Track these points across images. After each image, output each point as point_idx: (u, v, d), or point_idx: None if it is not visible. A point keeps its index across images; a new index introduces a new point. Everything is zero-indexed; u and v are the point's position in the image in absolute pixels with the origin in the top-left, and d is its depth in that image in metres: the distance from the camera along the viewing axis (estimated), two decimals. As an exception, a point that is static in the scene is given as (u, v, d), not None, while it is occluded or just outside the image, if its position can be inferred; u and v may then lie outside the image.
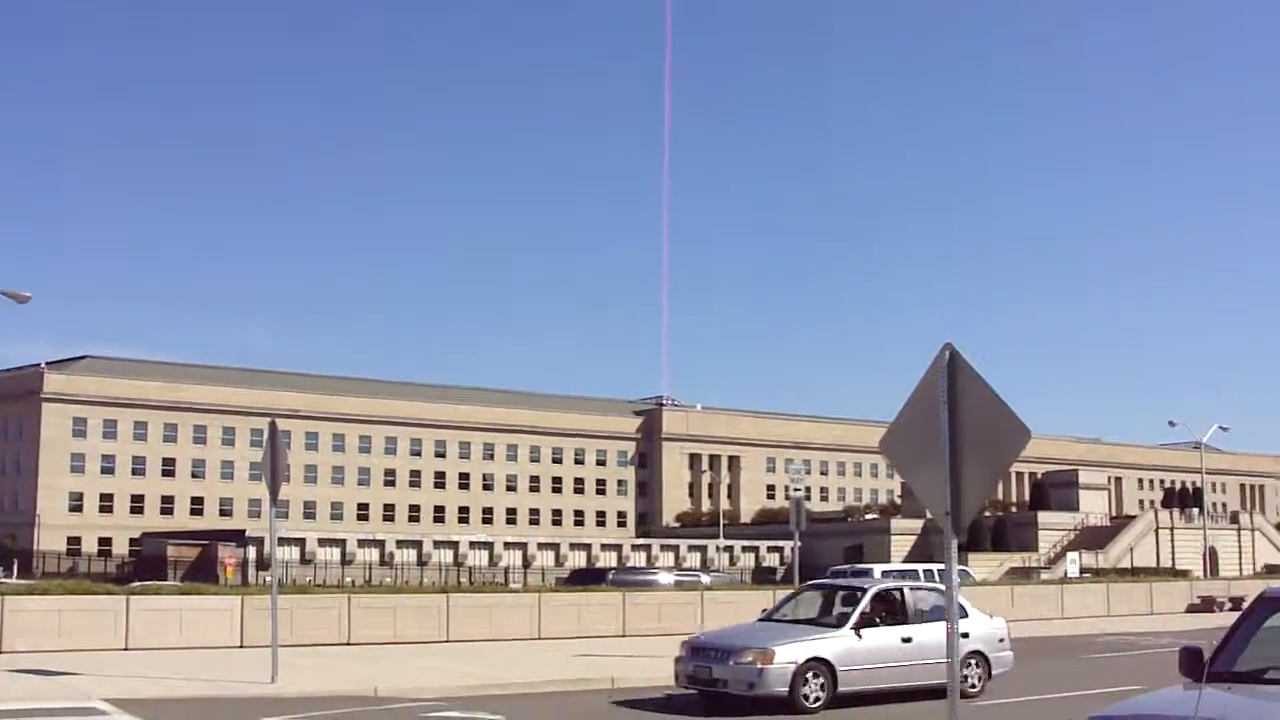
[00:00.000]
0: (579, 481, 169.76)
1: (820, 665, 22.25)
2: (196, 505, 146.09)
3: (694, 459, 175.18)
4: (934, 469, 9.50)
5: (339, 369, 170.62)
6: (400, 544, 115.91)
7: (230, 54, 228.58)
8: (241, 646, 31.83)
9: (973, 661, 24.58)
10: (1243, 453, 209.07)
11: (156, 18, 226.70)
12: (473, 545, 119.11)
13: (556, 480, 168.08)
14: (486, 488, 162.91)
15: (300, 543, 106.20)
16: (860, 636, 22.97)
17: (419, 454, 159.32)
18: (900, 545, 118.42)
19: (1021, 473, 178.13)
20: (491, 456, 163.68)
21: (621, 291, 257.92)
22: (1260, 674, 9.76)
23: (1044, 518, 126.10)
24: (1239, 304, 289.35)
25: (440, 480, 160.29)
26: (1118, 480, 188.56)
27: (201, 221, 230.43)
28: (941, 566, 50.04)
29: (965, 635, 23.64)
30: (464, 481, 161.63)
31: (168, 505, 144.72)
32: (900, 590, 25.34)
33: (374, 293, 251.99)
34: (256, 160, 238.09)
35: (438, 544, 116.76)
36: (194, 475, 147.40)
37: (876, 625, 23.60)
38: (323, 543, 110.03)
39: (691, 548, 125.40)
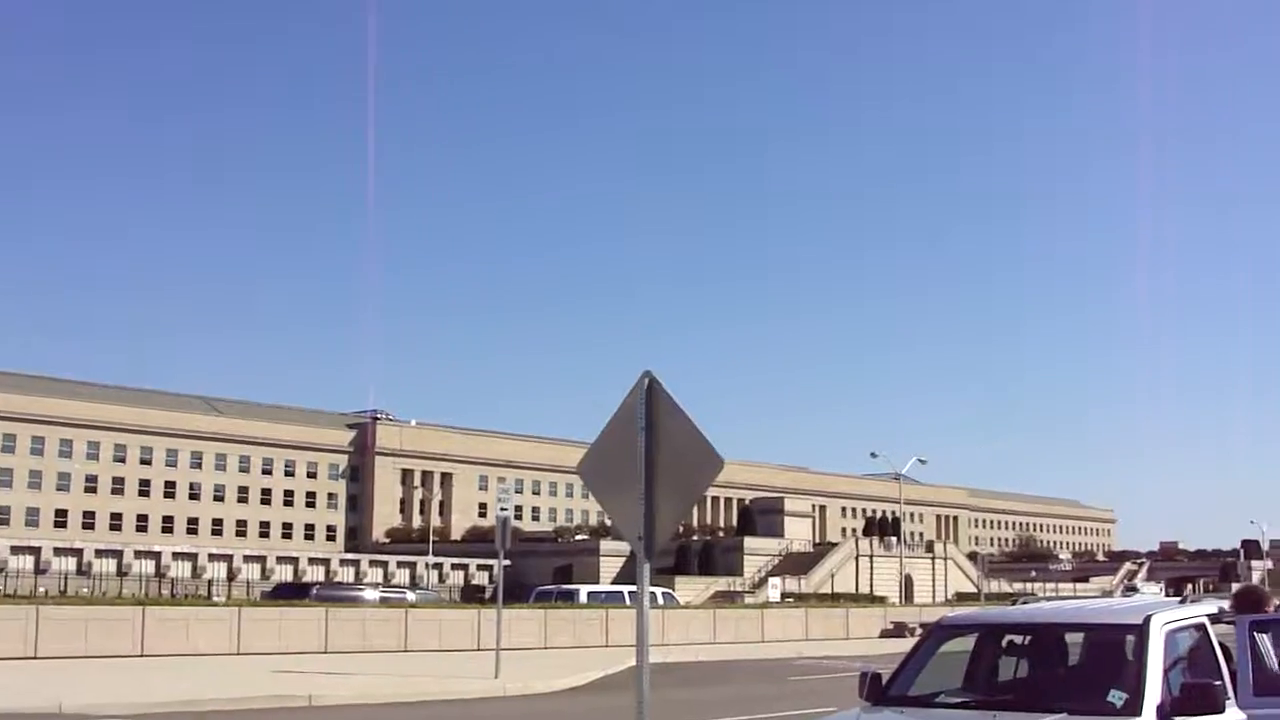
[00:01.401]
0: (289, 493, 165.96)
1: None
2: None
3: (406, 474, 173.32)
4: (629, 495, 9.57)
5: (40, 368, 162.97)
6: (99, 553, 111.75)
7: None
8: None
9: None
10: (939, 485, 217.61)
11: None
12: (176, 556, 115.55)
13: (265, 491, 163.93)
14: (193, 497, 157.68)
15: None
16: None
17: (123, 460, 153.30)
18: (609, 566, 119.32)
19: (730, 498, 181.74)
20: (199, 465, 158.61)
21: (338, 303, 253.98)
22: (931, 698, 10.20)
23: (750, 543, 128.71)
24: (936, 341, 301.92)
25: (145, 488, 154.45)
26: (822, 508, 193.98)
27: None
28: (652, 589, 50.81)
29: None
30: (169, 490, 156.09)
31: None
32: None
33: (82, 288, 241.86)
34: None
35: (139, 554, 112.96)
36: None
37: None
38: (15, 550, 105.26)
39: (401, 564, 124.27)
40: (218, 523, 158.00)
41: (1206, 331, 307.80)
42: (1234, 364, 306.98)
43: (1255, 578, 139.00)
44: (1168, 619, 9.69)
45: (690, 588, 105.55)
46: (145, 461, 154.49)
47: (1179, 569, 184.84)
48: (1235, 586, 11.38)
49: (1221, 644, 10.11)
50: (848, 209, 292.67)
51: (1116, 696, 9.13)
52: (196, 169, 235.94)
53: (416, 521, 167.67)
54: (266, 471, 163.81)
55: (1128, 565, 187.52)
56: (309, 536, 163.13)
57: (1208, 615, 10.22)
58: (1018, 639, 10.92)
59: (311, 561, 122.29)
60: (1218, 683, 9.42)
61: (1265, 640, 10.13)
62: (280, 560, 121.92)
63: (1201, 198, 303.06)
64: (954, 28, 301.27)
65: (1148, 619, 9.49)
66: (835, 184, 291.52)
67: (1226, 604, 10.70)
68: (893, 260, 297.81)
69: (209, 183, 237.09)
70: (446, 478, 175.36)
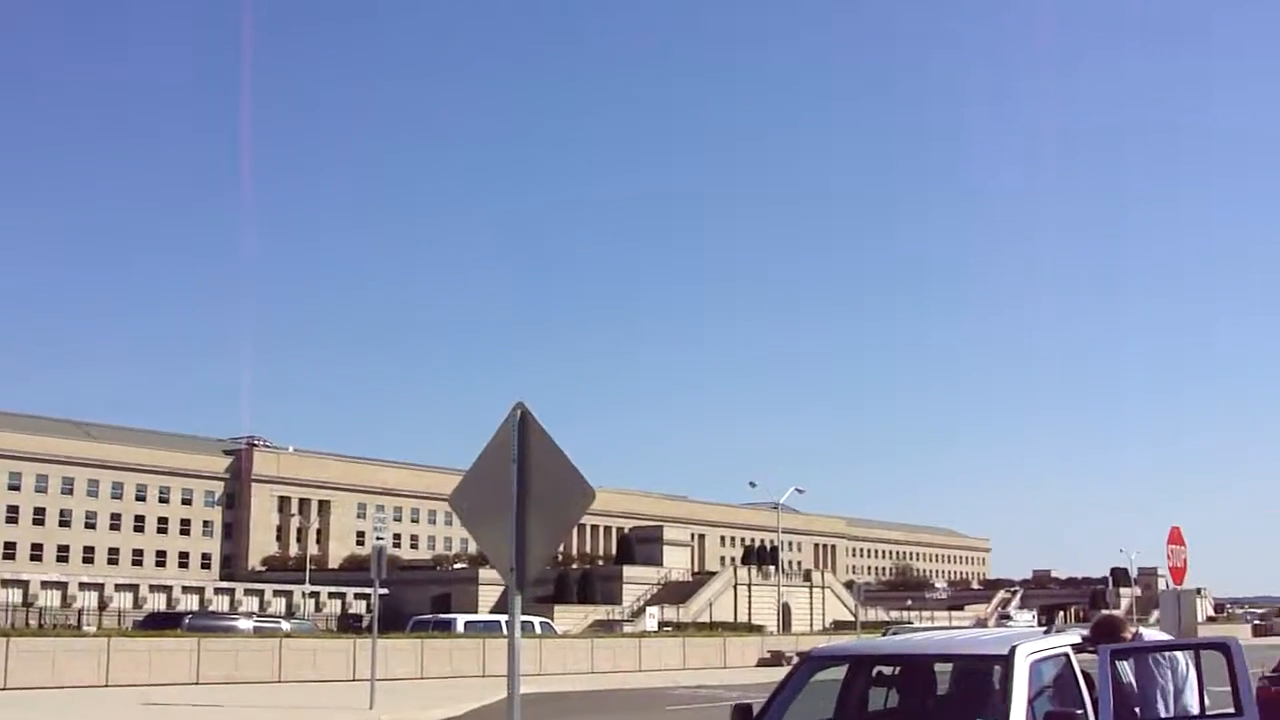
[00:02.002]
0: (163, 520, 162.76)
1: None
2: None
3: (284, 502, 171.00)
4: (500, 526, 9.52)
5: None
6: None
7: None
8: None
9: None
10: (817, 514, 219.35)
11: None
12: (45, 585, 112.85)
13: (139, 518, 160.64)
14: (63, 524, 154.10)
15: None
16: None
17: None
18: (488, 595, 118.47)
19: (610, 527, 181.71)
20: (70, 491, 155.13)
21: (215, 327, 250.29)
22: (800, 730, 10.28)
23: (629, 571, 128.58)
24: (813, 371, 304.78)
25: (13, 514, 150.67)
26: (701, 537, 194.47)
27: None
28: (530, 618, 50.28)
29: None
30: (38, 516, 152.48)
31: None
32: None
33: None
34: None
35: (6, 583, 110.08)
36: None
37: None
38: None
39: (277, 593, 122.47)
40: (89, 550, 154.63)
41: (1078, 363, 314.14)
42: (1104, 397, 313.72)
43: (1124, 605, 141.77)
44: (1032, 649, 9.82)
45: (569, 616, 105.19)
46: (14, 487, 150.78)
47: (1051, 596, 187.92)
48: (1096, 616, 11.56)
49: (1085, 672, 10.27)
50: (721, 233, 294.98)
51: (982, 726, 9.25)
52: (58, 183, 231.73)
53: (294, 549, 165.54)
54: (140, 498, 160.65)
55: (1002, 593, 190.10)
56: (183, 565, 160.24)
57: (1071, 645, 10.37)
58: (887, 670, 11.03)
59: (185, 590, 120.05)
60: (1080, 711, 9.58)
61: (1126, 668, 10.31)
62: (153, 589, 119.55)
63: (1069, 222, 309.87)
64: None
65: (1013, 649, 9.61)
66: (707, 205, 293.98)
67: (1088, 634, 10.88)
68: (785, 280, 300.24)
69: (80, 203, 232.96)
70: (324, 505, 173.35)
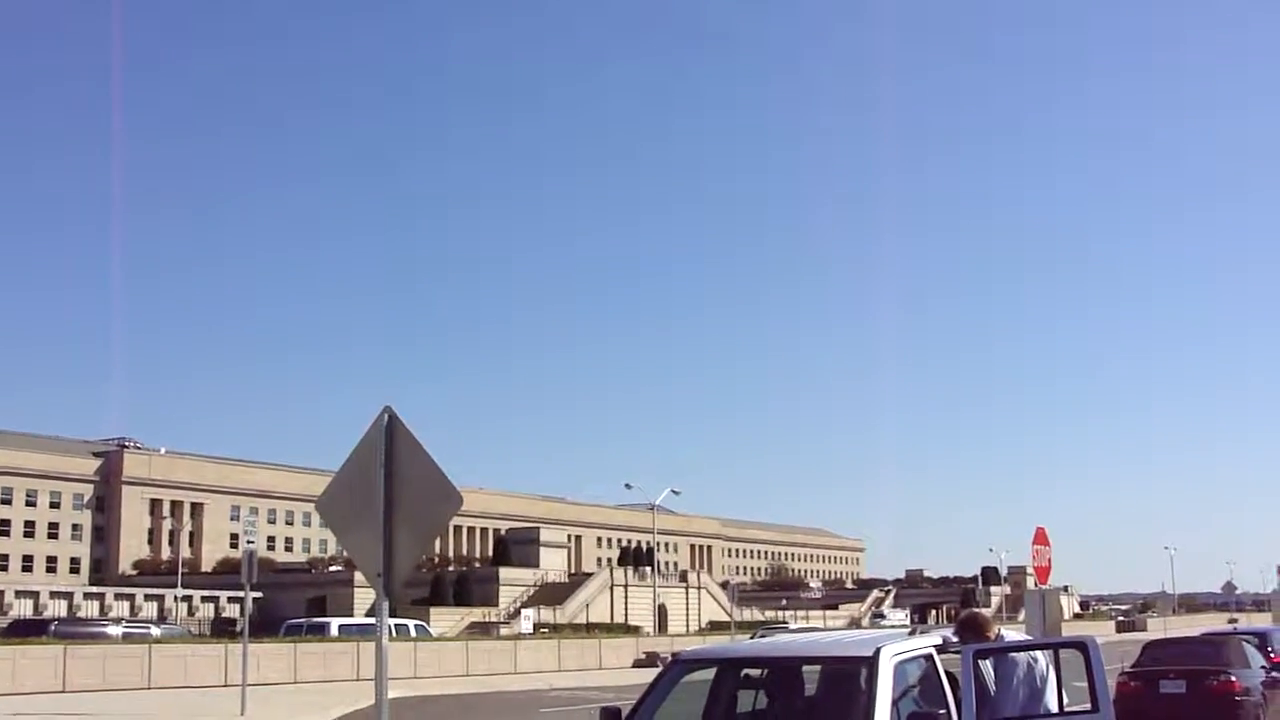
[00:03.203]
0: (29, 524, 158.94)
1: None
2: None
3: (155, 504, 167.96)
4: (367, 531, 9.46)
5: None
6: None
7: None
8: None
9: None
10: (693, 515, 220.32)
11: None
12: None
13: (4, 522, 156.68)
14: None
15: None
16: None
17: None
18: (365, 598, 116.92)
19: (486, 528, 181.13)
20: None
21: (83, 325, 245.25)
22: (669, 731, 10.30)
23: (505, 573, 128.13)
24: (686, 370, 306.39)
25: None
26: (578, 538, 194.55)
27: None
28: (405, 621, 49.86)
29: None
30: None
31: None
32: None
33: None
34: None
35: None
36: None
37: None
38: None
39: (149, 597, 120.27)
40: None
41: (945, 362, 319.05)
42: (975, 393, 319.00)
43: (994, 603, 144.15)
44: (896, 650, 9.93)
45: (445, 619, 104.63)
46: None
47: (923, 595, 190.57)
48: (962, 615, 11.72)
49: (948, 673, 10.40)
50: (592, 238, 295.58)
51: (848, 728, 9.33)
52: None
53: (166, 553, 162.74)
54: (5, 501, 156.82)
55: (875, 593, 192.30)
56: (51, 570, 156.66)
57: (935, 646, 10.51)
58: (755, 672, 11.08)
59: (53, 596, 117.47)
60: (943, 711, 9.70)
61: (987, 667, 10.46)
62: (19, 595, 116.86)
63: (951, 225, 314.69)
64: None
65: (877, 651, 9.71)
66: (579, 215, 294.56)
67: (953, 633, 11.03)
68: (657, 285, 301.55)
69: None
70: (197, 508, 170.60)
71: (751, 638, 43.12)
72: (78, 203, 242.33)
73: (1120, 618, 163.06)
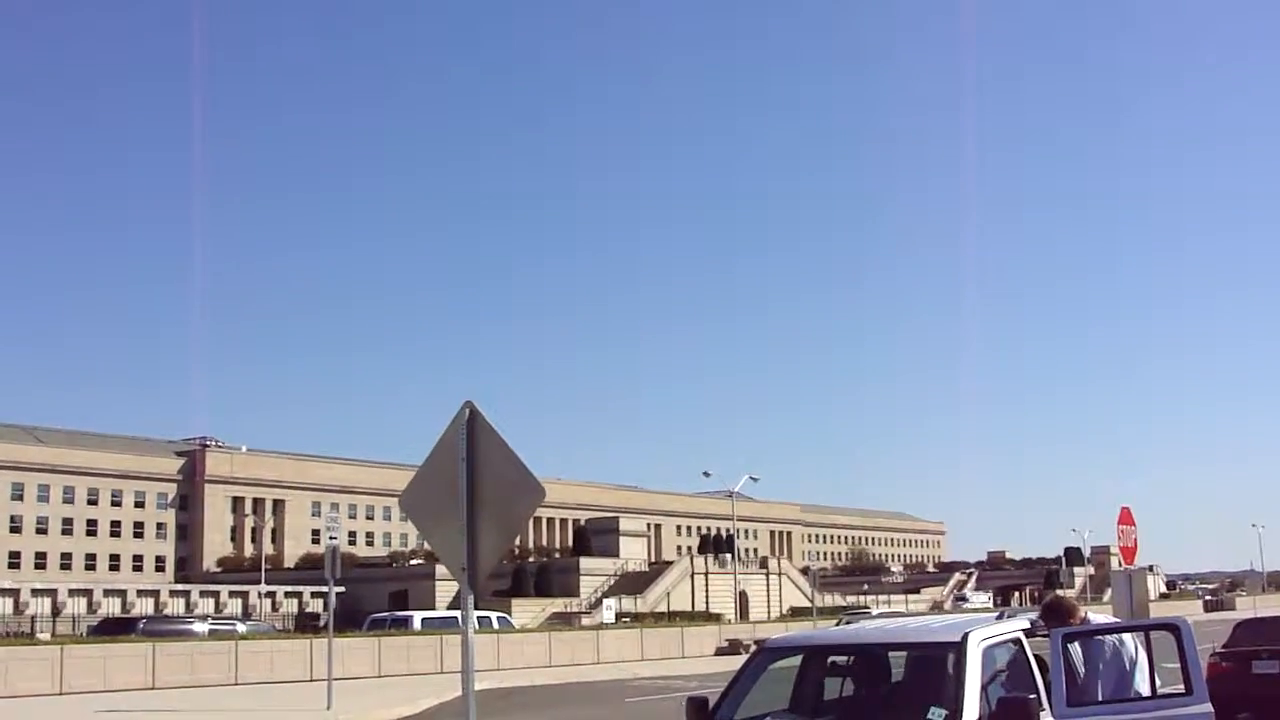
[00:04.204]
0: (115, 524, 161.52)
1: None
2: None
3: (237, 502, 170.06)
4: (450, 526, 9.53)
5: None
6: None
7: None
8: None
9: None
10: (772, 501, 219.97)
11: None
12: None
13: (91, 523, 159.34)
14: (14, 530, 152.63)
15: None
16: None
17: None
18: (445, 591, 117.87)
19: (565, 519, 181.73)
20: (21, 496, 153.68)
21: (164, 327, 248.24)
22: (759, 720, 10.29)
23: (585, 563, 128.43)
24: (766, 366, 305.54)
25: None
26: (657, 527, 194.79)
27: None
28: (487, 613, 50.13)
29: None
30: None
31: None
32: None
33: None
34: None
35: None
36: None
37: None
38: None
39: (233, 594, 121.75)
40: (41, 556, 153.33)
41: (1031, 343, 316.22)
42: (1056, 375, 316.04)
43: (1078, 584, 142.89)
44: (984, 635, 9.88)
45: (527, 610, 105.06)
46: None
47: (1006, 578, 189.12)
48: (1045, 598, 11.66)
49: (1037, 656, 10.34)
50: (663, 223, 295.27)
51: (936, 713, 9.28)
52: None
53: (249, 550, 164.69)
54: (92, 502, 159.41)
55: (957, 576, 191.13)
56: (137, 568, 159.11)
57: (1023, 630, 10.46)
58: (841, 659, 11.06)
59: (140, 594, 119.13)
60: (1032, 696, 9.63)
61: (1076, 650, 10.39)
62: (107, 593, 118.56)
63: (1025, 205, 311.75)
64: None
65: (965, 636, 9.66)
66: (657, 197, 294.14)
67: (1038, 616, 10.96)
68: (726, 275, 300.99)
69: (14, 190, 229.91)
70: (279, 505, 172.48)
71: (838, 624, 43.04)
72: (157, 199, 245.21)
73: (1208, 597, 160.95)
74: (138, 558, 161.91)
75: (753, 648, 56.23)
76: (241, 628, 55.52)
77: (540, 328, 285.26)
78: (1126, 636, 10.62)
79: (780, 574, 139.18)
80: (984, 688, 9.49)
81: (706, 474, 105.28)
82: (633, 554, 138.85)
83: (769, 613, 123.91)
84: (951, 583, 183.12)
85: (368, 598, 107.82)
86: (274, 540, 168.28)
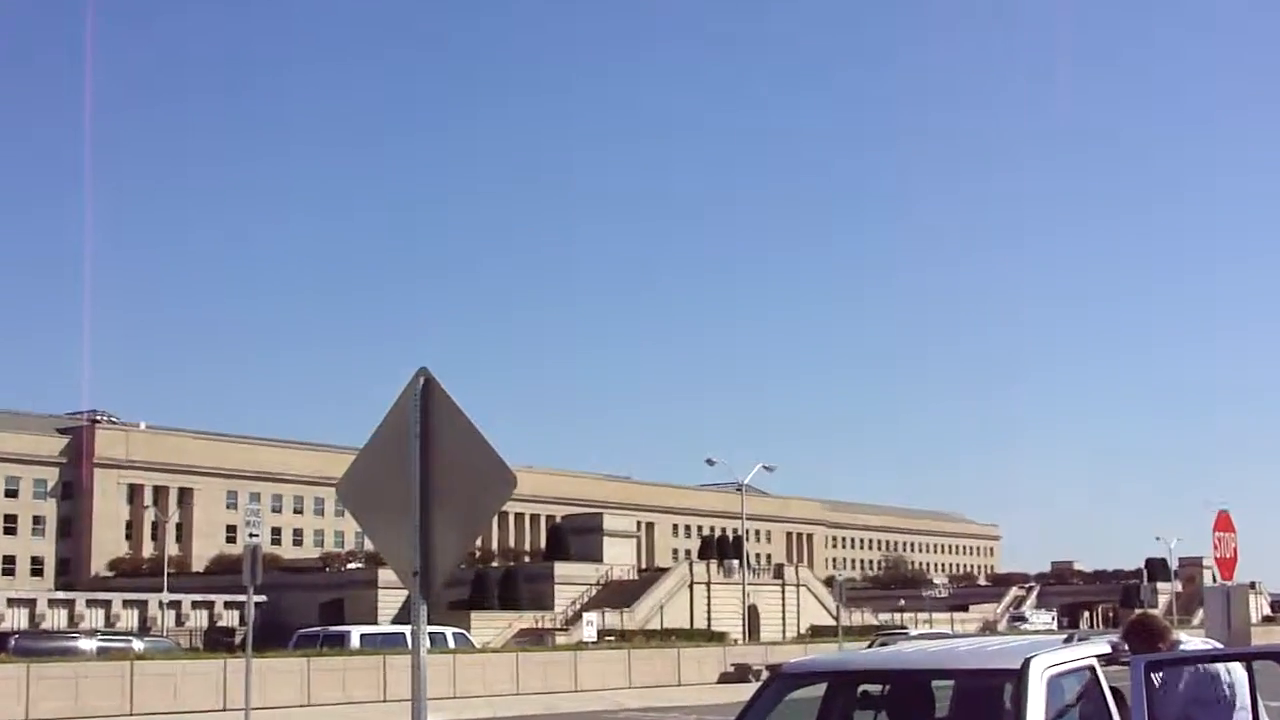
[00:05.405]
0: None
1: None
2: None
3: (135, 491, 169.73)
4: (400, 521, 9.48)
5: None
6: None
7: None
8: None
9: None
10: (790, 496, 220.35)
11: None
12: None
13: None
14: None
15: None
16: None
17: None
18: (390, 601, 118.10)
19: (538, 515, 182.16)
20: None
21: (44, 282, 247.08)
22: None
23: (562, 569, 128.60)
24: (782, 332, 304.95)
25: None
26: (649, 526, 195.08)
27: None
28: (441, 629, 50.10)
29: None
30: None
31: None
32: None
33: None
34: None
35: None
36: None
37: None
38: None
39: (128, 604, 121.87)
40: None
41: (1107, 316, 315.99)
42: (1135, 342, 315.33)
43: (1161, 602, 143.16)
44: (1051, 662, 9.87)
45: (489, 625, 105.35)
46: None
47: (1074, 594, 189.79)
48: (1130, 617, 11.63)
49: (1114, 689, 10.35)
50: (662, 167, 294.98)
51: (990, 756, 9.34)
52: None
53: (148, 550, 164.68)
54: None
55: (1014, 590, 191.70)
56: (8, 571, 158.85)
57: (1098, 656, 10.45)
58: (874, 688, 11.07)
59: (12, 604, 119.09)
60: (1108, 736, 9.66)
61: (1162, 682, 10.38)
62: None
63: (1108, 200, 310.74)
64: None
65: (1027, 663, 9.66)
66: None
67: (1118, 640, 10.96)
68: (723, 232, 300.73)
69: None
70: (186, 494, 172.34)
71: (869, 646, 43.17)
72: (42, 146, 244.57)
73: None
74: (8, 559, 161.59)
75: (765, 674, 56.22)
76: (138, 645, 55.52)
77: (501, 279, 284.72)
78: (1224, 666, 10.64)
79: (799, 585, 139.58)
80: (1049, 725, 9.51)
81: (710, 462, 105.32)
82: (619, 559, 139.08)
83: (785, 632, 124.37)
84: (1007, 598, 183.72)
85: (295, 609, 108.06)
86: (179, 538, 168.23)
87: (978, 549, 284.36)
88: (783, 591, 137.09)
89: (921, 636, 67.03)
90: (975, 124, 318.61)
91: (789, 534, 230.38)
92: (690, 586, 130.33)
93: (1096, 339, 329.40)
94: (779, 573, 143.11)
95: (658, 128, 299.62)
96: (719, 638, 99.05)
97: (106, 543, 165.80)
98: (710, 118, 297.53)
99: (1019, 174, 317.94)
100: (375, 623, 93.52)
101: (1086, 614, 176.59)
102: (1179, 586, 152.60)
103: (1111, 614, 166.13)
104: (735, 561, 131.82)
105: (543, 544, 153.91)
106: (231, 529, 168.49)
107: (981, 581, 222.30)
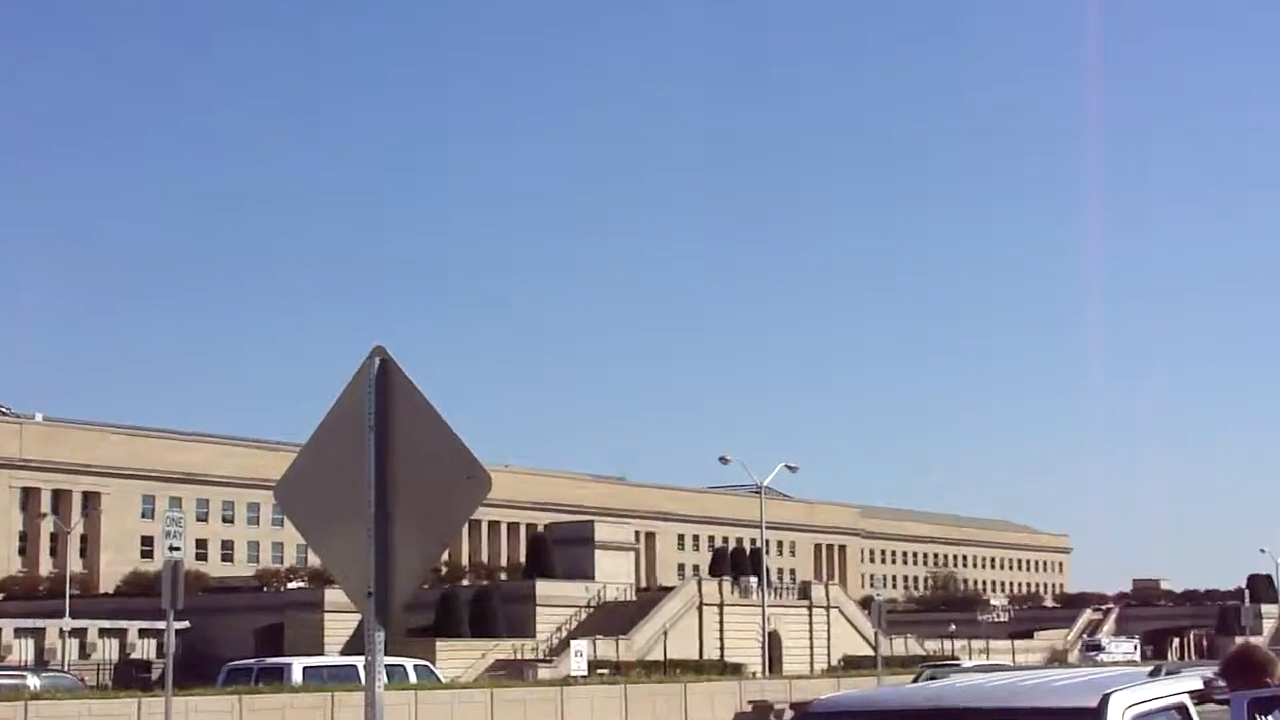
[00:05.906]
0: None
1: None
2: None
3: (29, 495, 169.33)
4: (351, 529, 9.44)
5: None
6: None
7: None
8: None
9: None
10: (818, 501, 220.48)
11: None
12: None
13: None
14: None
15: None
16: None
17: None
18: (339, 626, 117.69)
19: (517, 523, 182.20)
20: None
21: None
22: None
23: (545, 588, 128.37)
24: (810, 309, 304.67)
25: None
26: (650, 536, 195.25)
27: None
28: (400, 661, 50.16)
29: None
30: None
31: None
32: None
33: None
34: None
35: None
36: None
37: None
38: None
39: (21, 632, 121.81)
40: None
41: (1189, 300, 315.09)
42: (1230, 343, 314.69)
43: (1267, 628, 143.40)
44: (1133, 700, 9.88)
45: (459, 656, 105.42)
46: None
47: (1160, 617, 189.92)
48: (1230, 647, 11.67)
49: (1209, 730, 10.37)
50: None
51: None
52: None
53: (46, 567, 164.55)
54: None
55: (1088, 613, 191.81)
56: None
57: (1190, 692, 10.46)
58: (921, 731, 11.08)
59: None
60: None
61: None
62: None
63: (1169, 197, 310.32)
64: None
65: (1105, 700, 9.67)
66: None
67: (1216, 673, 10.97)
68: (738, 202, 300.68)
69: None
70: (92, 499, 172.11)
71: (915, 680, 43.15)
72: None
73: None
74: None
75: (789, 714, 56.33)
76: (34, 682, 55.60)
77: (479, 258, 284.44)
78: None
79: (829, 606, 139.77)
80: (1133, 774, 9.52)
81: (724, 460, 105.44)
82: (614, 575, 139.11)
83: (813, 663, 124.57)
84: (1079, 623, 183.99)
85: (225, 637, 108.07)
86: (84, 552, 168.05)
87: (1044, 564, 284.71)
88: (810, 615, 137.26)
89: (977, 669, 67.11)
90: (974, 125, 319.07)
91: (817, 546, 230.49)
92: (699, 609, 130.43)
93: (1183, 332, 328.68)
94: (805, 592, 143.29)
95: (657, 124, 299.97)
96: (734, 670, 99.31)
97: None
98: (711, 114, 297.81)
99: (1085, 160, 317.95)
100: (322, 653, 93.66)
101: (1175, 642, 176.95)
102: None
103: (1205, 642, 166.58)
104: (753, 579, 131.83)
105: (523, 558, 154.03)
106: (148, 541, 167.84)
107: (1049, 603, 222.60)
